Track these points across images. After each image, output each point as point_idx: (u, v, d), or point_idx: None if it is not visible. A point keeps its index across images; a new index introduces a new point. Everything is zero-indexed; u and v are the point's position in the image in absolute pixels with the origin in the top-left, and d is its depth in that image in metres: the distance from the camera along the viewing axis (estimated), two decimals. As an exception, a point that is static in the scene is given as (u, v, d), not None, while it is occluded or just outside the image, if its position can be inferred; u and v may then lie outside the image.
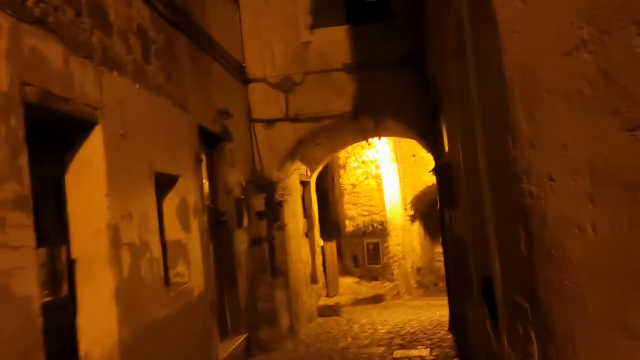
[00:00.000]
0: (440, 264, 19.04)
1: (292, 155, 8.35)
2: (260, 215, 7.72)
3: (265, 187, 7.81)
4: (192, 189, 5.33)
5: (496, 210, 2.17)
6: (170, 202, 5.00)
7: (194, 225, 5.29)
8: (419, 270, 16.53)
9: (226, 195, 6.71)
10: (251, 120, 8.05)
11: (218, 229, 6.51)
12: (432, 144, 7.78)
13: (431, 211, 17.78)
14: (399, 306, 11.97)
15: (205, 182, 6.37)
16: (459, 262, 5.00)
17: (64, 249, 3.53)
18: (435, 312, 10.45)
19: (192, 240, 5.20)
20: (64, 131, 3.54)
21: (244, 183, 7.35)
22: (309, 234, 10.70)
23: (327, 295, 11.19)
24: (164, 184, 4.88)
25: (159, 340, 4.15)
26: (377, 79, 7.91)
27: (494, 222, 2.22)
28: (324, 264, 11.26)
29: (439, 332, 8.03)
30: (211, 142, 6.53)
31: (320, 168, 11.16)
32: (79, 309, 3.47)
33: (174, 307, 4.54)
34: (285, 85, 8.06)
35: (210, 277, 5.76)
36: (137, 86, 4.28)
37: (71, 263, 3.51)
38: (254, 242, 7.49)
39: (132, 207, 3.91)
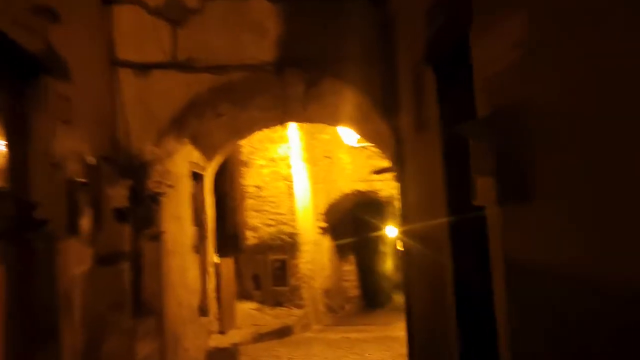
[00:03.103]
0: (347, 284, 16.47)
1: (179, 125, 5.22)
2: (120, 215, 4.52)
3: (132, 169, 4.62)
4: None
5: None
6: None
7: None
8: (327, 291, 13.79)
9: (47, 173, 3.48)
10: (114, 62, 4.85)
11: (23, 236, 3.26)
12: (393, 114, 5.03)
13: (342, 224, 15.19)
14: (312, 342, 9.09)
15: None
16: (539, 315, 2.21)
17: None
18: (365, 355, 7.70)
19: None
20: None
21: (90, 158, 4.13)
22: (200, 247, 7.55)
23: (221, 331, 8.05)
24: None
25: None
26: (316, 14, 5.05)
27: None
28: (217, 289, 8.13)
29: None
30: (16, 67, 3.30)
31: (219, 159, 8.07)
32: None
33: None
34: (173, 12, 4.96)
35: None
36: None
37: None
38: (106, 261, 4.26)
39: None
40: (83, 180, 3.87)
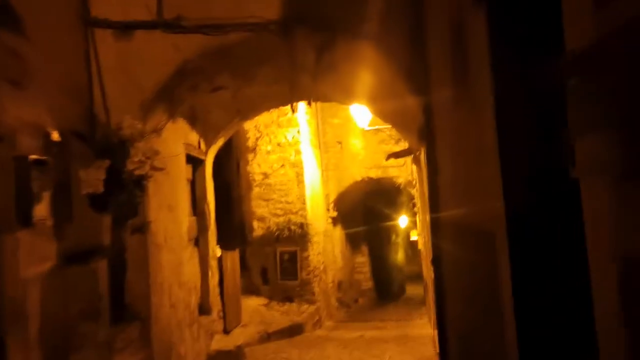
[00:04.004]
0: (360, 277, 15.66)
1: (168, 97, 4.42)
2: (96, 202, 3.73)
3: (110, 147, 3.82)
4: None
5: None
6: None
7: None
8: (339, 285, 13.01)
9: (-13, 147, 2.69)
10: (89, 21, 4.04)
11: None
12: (422, 80, 4.19)
13: (354, 213, 14.38)
14: (325, 342, 8.30)
15: None
16: None
17: None
18: (385, 357, 6.90)
19: None
20: None
21: (55, 132, 3.34)
22: (200, 240, 6.77)
23: (225, 331, 7.28)
24: None
25: None
26: (330, -37, 4.23)
27: None
28: (221, 284, 7.36)
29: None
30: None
31: (221, 143, 7.26)
32: None
33: None
34: (159, -39, 4.14)
35: None
36: None
37: None
38: (76, 258, 3.47)
39: None
40: (40, 158, 3.07)
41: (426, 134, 4.38)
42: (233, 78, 5.00)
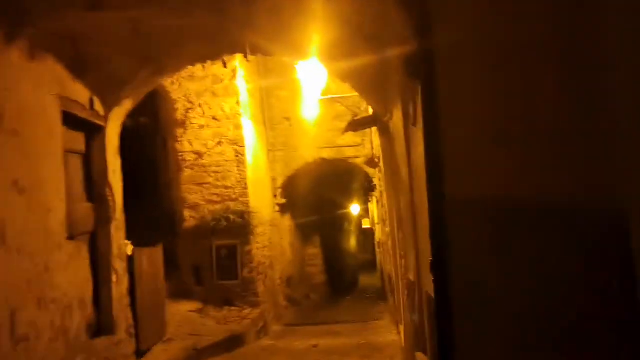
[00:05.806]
0: (312, 270, 14.03)
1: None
2: None
3: None
4: None
5: None
6: None
7: None
8: (289, 280, 11.34)
9: None
10: None
11: None
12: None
13: (304, 199, 12.70)
14: (271, 356, 6.59)
15: None
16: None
17: None
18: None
19: None
20: None
21: None
22: (99, 234, 4.93)
23: (138, 353, 5.46)
24: None
25: None
26: None
27: None
28: (132, 291, 5.51)
29: None
30: None
31: (128, 105, 5.36)
32: None
33: None
34: None
35: None
36: None
37: None
38: None
39: None
40: None
41: (422, 72, 2.71)
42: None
